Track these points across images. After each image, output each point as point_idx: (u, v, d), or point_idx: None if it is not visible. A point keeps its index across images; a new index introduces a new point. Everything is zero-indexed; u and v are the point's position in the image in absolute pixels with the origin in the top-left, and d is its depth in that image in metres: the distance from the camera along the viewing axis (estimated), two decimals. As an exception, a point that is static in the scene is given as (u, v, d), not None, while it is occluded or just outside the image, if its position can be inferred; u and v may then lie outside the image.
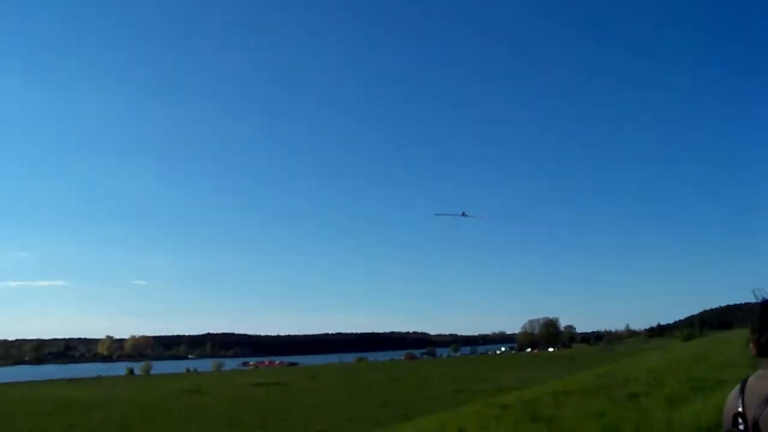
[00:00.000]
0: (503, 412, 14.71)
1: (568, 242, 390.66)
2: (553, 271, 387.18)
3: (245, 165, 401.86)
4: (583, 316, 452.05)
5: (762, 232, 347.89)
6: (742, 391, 2.57)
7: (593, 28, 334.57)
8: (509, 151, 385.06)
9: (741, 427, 2.46)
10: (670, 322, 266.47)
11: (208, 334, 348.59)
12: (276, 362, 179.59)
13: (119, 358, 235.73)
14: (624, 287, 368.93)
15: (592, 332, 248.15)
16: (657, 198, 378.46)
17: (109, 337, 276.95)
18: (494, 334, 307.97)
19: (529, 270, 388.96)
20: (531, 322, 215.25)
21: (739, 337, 78.84)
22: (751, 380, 2.59)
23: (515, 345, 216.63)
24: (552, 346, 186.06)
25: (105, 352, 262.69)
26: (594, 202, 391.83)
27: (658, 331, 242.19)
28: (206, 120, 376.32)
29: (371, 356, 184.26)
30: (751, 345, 2.65)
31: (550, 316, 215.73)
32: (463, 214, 45.90)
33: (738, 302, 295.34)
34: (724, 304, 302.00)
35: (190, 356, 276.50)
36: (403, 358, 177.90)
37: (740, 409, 2.50)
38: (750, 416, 2.44)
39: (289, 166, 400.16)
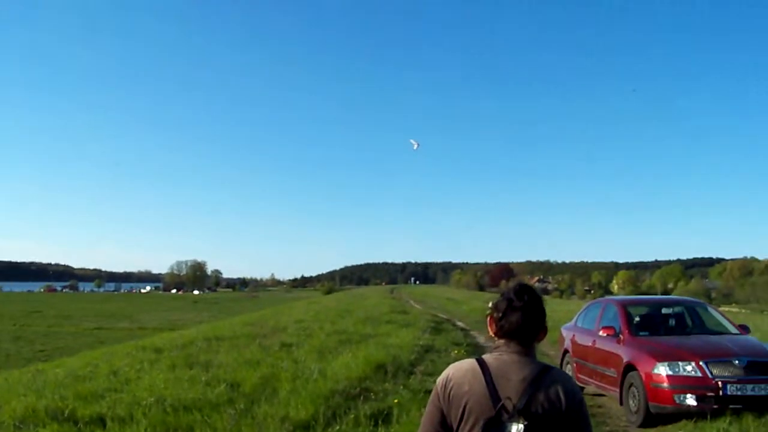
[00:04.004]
0: (158, 356, 14.33)
1: (215, 190, 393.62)
2: (202, 217, 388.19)
3: None
4: (230, 262, 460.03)
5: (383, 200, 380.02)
6: (485, 373, 2.48)
7: None
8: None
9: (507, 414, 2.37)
10: (313, 274, 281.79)
11: None
12: None
13: None
14: (272, 239, 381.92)
15: (238, 278, 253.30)
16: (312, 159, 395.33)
17: None
18: (140, 272, 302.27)
19: (179, 214, 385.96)
20: (178, 263, 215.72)
21: (374, 293, 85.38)
22: (490, 361, 2.53)
23: (161, 285, 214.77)
24: (198, 289, 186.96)
25: None
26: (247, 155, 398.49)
27: (302, 282, 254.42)
28: None
29: (7, 286, 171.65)
30: (490, 323, 2.63)
31: (198, 260, 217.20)
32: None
33: (375, 261, 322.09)
34: (363, 261, 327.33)
35: None
36: (42, 290, 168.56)
37: (502, 394, 2.41)
38: (513, 401, 2.39)
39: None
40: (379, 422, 8.31)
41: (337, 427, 7.99)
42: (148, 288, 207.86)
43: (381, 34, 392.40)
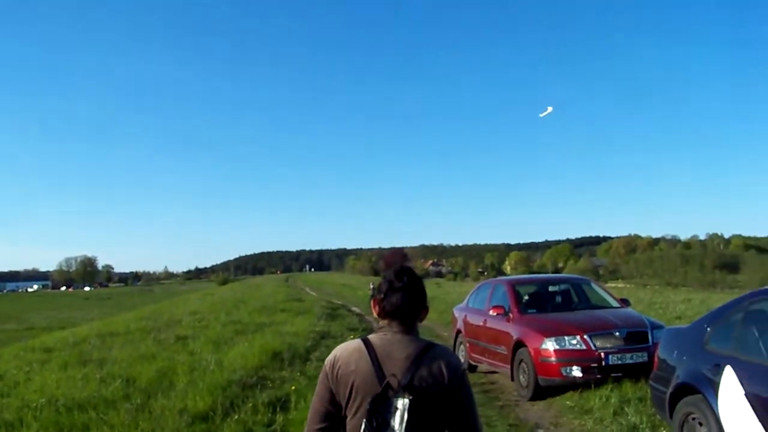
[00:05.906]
0: (48, 356, 13.92)
1: (103, 183, 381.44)
2: (92, 211, 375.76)
3: None
4: (122, 256, 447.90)
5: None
6: (370, 352, 2.59)
7: None
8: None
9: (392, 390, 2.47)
10: (208, 265, 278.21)
11: None
12: None
13: None
14: (164, 231, 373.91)
15: (131, 272, 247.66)
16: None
17: None
18: (27, 270, 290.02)
19: (67, 208, 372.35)
20: (68, 259, 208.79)
21: (269, 282, 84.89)
22: (375, 340, 2.64)
23: (50, 283, 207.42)
24: (89, 285, 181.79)
25: None
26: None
27: (196, 274, 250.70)
28: None
29: None
30: (374, 304, 2.75)
31: (89, 255, 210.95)
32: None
33: (269, 250, 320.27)
34: (257, 251, 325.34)
35: None
36: None
37: (387, 371, 2.52)
38: (398, 378, 2.49)
39: None
40: (277, 409, 8.42)
41: (236, 417, 8.02)
42: (35, 287, 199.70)
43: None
